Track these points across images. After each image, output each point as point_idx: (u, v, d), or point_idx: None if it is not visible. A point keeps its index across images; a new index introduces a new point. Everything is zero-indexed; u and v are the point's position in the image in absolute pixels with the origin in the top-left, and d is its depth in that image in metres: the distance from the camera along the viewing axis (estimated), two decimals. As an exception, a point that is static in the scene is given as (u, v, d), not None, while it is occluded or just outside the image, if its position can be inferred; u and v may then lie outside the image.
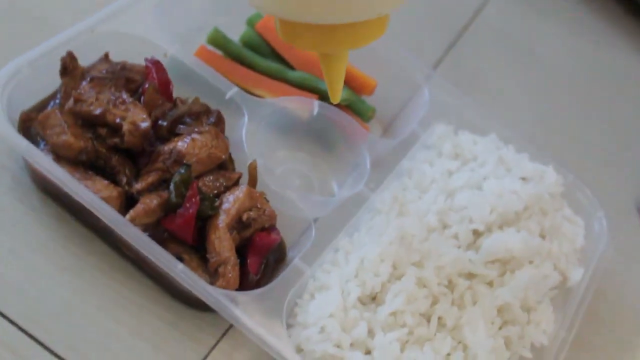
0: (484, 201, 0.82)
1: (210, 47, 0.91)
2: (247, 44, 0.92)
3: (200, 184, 0.74)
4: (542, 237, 0.85)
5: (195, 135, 0.76)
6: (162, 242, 0.72)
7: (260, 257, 0.74)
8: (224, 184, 0.76)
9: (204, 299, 0.68)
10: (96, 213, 0.68)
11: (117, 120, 0.73)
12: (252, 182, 0.78)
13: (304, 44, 0.63)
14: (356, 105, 0.91)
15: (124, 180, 0.73)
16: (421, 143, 0.90)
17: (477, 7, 1.14)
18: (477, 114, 0.93)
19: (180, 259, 0.72)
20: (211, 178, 0.76)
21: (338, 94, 0.67)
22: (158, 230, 0.72)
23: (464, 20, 1.12)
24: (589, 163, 1.03)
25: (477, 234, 0.81)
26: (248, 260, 0.73)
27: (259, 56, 0.91)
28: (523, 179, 0.87)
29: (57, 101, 0.78)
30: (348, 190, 0.83)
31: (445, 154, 0.89)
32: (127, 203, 0.73)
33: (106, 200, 0.70)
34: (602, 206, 0.92)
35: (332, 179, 0.86)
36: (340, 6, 0.56)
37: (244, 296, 0.70)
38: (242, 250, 0.74)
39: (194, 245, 0.74)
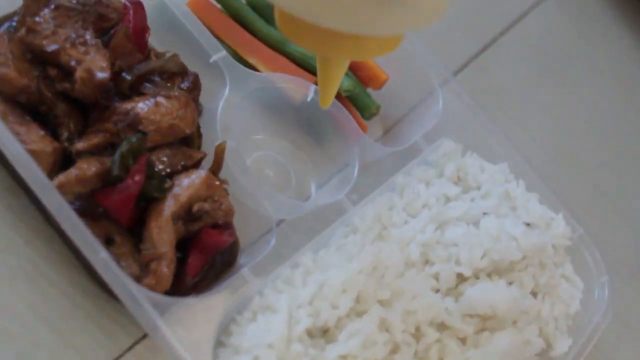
0: (477, 242, 0.71)
1: (212, -1, 0.79)
2: (252, 3, 0.80)
3: (153, 158, 0.63)
4: (534, 294, 0.74)
5: (160, 99, 0.64)
6: (93, 217, 0.60)
7: (204, 258, 0.62)
8: (183, 163, 0.65)
9: (121, 296, 0.57)
10: (18, 168, 0.57)
11: (72, 63, 0.62)
12: (216, 166, 0.66)
13: (304, 43, 0.57)
14: (359, 98, 0.80)
15: (65, 135, 0.62)
16: (422, 157, 0.78)
17: (517, 15, 1.02)
18: (492, 135, 0.81)
19: (111, 241, 0.61)
20: (169, 153, 0.64)
21: (329, 99, 0.62)
22: (92, 203, 0.61)
23: (499, 27, 0.99)
24: (605, 216, 0.91)
25: (461, 278, 0.70)
26: (189, 259, 0.62)
27: (262, 20, 0.79)
28: (527, 224, 0.75)
29: (13, 24, 0.66)
30: (326, 196, 0.72)
31: (447, 176, 0.77)
32: (63, 163, 0.62)
33: (36, 155, 0.59)
34: (609, 269, 0.80)
35: (312, 177, 0.75)
36: (369, 18, 0.50)
37: (172, 301, 0.59)
38: (185, 245, 0.63)
39: (132, 227, 0.62)
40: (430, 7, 0.53)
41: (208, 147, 0.68)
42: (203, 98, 0.71)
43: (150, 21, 0.71)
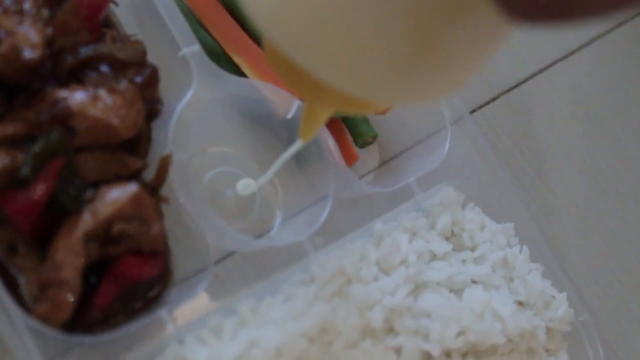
0: (455, 316, 0.60)
1: (204, -21, 0.68)
2: (251, -7, 0.69)
3: (80, 160, 0.52)
4: (515, 384, 0.63)
5: (101, 92, 0.54)
6: (-2, 219, 0.50)
7: (118, 289, 0.52)
8: (117, 171, 0.54)
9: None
10: None
11: (0, 35, 0.51)
12: (158, 181, 0.56)
13: (297, 87, 0.50)
14: (355, 122, 0.69)
15: (-20, 117, 0.52)
16: (414, 203, 0.67)
17: (561, 54, 0.89)
18: (501, 187, 0.70)
19: (13, 249, 0.51)
20: (100, 158, 0.54)
21: (311, 135, 0.55)
22: (-4, 202, 0.51)
23: (539, 64, 0.87)
24: (621, 303, 0.79)
25: (427, 356, 0.59)
26: (99, 288, 0.51)
27: (258, 14, 0.67)
28: (520, 303, 0.64)
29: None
30: (286, 234, 0.61)
31: (439, 229, 0.66)
32: (-28, 150, 0.52)
33: (-64, 137, 0.49)
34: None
35: (280, 207, 0.64)
36: (389, 88, 0.43)
37: (63, 339, 0.48)
38: (98, 269, 0.52)
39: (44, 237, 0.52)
40: (452, 80, 0.45)
41: (158, 155, 0.58)
42: (168, 98, 0.60)
43: (126, -1, 0.62)
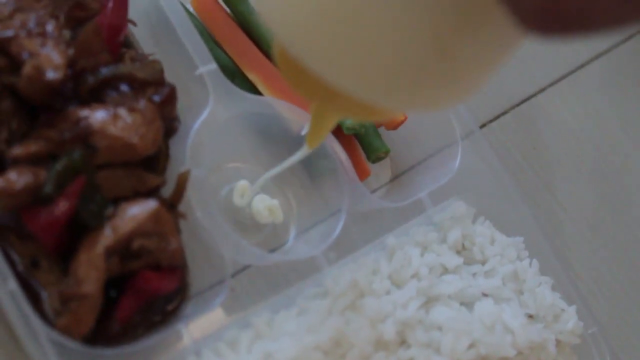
0: (466, 329, 0.61)
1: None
2: (265, 11, 0.70)
3: (101, 177, 0.54)
4: (525, 396, 0.64)
5: (121, 111, 0.55)
6: (20, 234, 0.52)
7: (138, 303, 0.54)
8: (136, 188, 0.56)
9: (22, 337, 0.48)
10: None
11: (24, 56, 0.53)
12: (176, 197, 0.57)
13: (308, 92, 0.50)
14: (367, 138, 0.70)
15: (4, 136, 0.53)
16: (425, 217, 0.68)
17: (573, 65, 0.90)
18: (511, 202, 0.71)
19: (36, 265, 0.52)
20: (120, 175, 0.55)
21: (317, 142, 0.56)
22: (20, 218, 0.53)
23: (550, 77, 0.88)
24: (633, 316, 0.79)
25: (439, 369, 0.60)
26: (119, 302, 0.53)
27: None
28: (530, 316, 0.65)
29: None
30: (301, 248, 0.62)
31: (450, 243, 0.67)
32: (-1, 167, 0.53)
33: (-37, 155, 0.51)
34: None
35: (294, 221, 0.65)
36: (407, 95, 0.44)
37: (84, 352, 0.50)
38: (119, 283, 0.54)
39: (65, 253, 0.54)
40: (465, 88, 0.45)
41: (176, 171, 0.59)
42: (185, 116, 0.62)
43: (144, 19, 0.63)
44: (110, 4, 0.58)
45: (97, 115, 0.54)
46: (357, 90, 0.43)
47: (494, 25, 0.41)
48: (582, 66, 0.91)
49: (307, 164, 0.67)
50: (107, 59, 0.57)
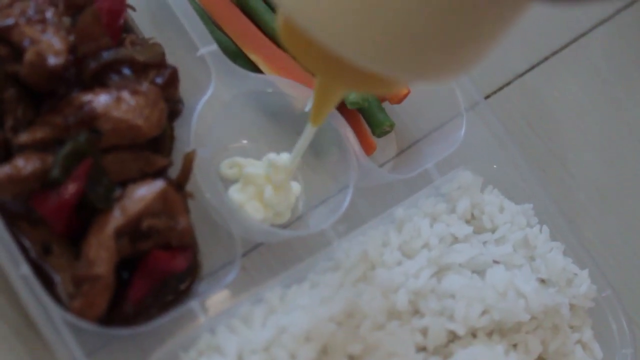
0: (478, 296, 0.61)
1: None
2: (265, -8, 0.71)
3: (107, 160, 0.54)
4: (542, 360, 0.64)
5: (124, 94, 0.55)
6: (31, 219, 0.52)
7: (150, 283, 0.54)
8: (143, 170, 0.56)
9: (38, 320, 0.49)
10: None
11: (25, 43, 0.53)
12: (183, 177, 0.58)
13: (311, 64, 0.49)
14: (371, 112, 0.70)
15: (10, 124, 0.54)
16: (433, 188, 0.68)
17: (574, 34, 0.90)
18: (519, 169, 0.71)
19: (48, 250, 0.52)
20: (127, 157, 0.56)
21: (321, 120, 0.55)
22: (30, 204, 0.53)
23: (552, 46, 0.87)
24: (637, 282, 0.79)
25: (453, 336, 0.60)
26: (132, 283, 0.53)
27: (271, 13, 0.69)
28: (542, 280, 0.65)
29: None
30: (310, 223, 0.62)
31: (459, 213, 0.67)
32: (5, 155, 0.54)
33: (-31, 144, 0.51)
34: (637, 340, 0.69)
35: (302, 198, 0.65)
36: (419, 64, 0.43)
37: (99, 333, 0.50)
38: (130, 264, 0.54)
39: (76, 236, 0.54)
40: (471, 57, 0.45)
41: (182, 153, 0.59)
42: (188, 97, 0.62)
43: (143, 3, 0.64)
44: (109, -11, 0.58)
45: (101, 99, 0.55)
46: (362, 59, 0.43)
47: None
48: (584, 34, 0.90)
49: (312, 141, 0.67)
50: (108, 44, 0.57)
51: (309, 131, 0.57)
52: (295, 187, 0.63)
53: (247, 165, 0.61)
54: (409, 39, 0.42)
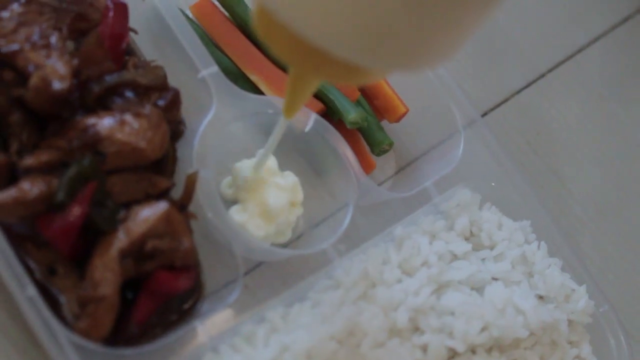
0: (477, 313, 0.62)
1: (217, 2, 0.71)
2: (264, 13, 0.71)
3: (111, 183, 0.55)
4: (540, 376, 0.65)
5: (127, 117, 0.56)
6: (36, 242, 0.53)
7: (154, 303, 0.55)
8: (146, 191, 0.57)
9: (44, 341, 0.49)
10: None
11: (30, 68, 0.54)
12: (186, 199, 0.58)
13: (285, 55, 0.48)
14: (370, 131, 0.71)
15: (15, 147, 0.55)
16: (432, 206, 0.69)
17: (570, 51, 0.91)
18: (516, 187, 0.71)
19: (53, 271, 0.53)
20: (130, 179, 0.57)
21: (294, 111, 0.55)
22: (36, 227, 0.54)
23: (548, 63, 0.88)
24: (635, 297, 0.80)
25: (453, 353, 0.61)
26: (136, 303, 0.54)
27: (271, 33, 0.70)
28: (540, 297, 0.66)
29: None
30: (311, 242, 0.63)
31: (457, 230, 0.68)
32: (10, 178, 0.54)
33: (-25, 168, 0.52)
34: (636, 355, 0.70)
35: (302, 216, 0.66)
36: (390, 52, 0.43)
37: (104, 353, 0.51)
38: (135, 285, 0.55)
39: (81, 258, 0.55)
40: (448, 45, 0.45)
41: (184, 174, 0.60)
42: (190, 118, 0.63)
43: (144, 26, 0.65)
44: (111, 14, 0.59)
45: (104, 122, 0.55)
46: (334, 46, 0.43)
47: None
48: (580, 50, 0.91)
49: (312, 160, 0.69)
50: (110, 67, 0.58)
51: (282, 124, 0.57)
52: (297, 208, 0.64)
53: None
54: (384, 28, 0.42)
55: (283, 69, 0.69)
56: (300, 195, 0.63)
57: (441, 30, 0.43)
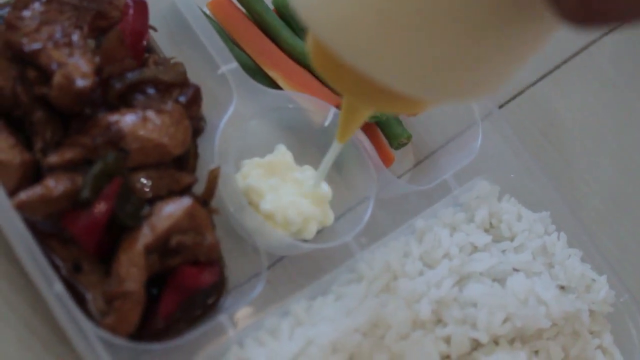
0: (500, 304, 0.62)
1: (235, 0, 0.71)
2: (281, 10, 0.72)
3: (135, 179, 0.55)
4: (563, 366, 0.65)
5: (150, 113, 0.57)
6: (61, 239, 0.54)
7: (179, 298, 0.55)
8: (169, 187, 0.57)
9: (71, 337, 0.50)
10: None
11: (53, 66, 0.55)
12: (208, 194, 0.59)
13: (341, 86, 0.49)
14: (389, 125, 0.71)
15: (39, 145, 0.55)
16: (451, 198, 0.69)
17: (584, 42, 0.91)
18: (535, 178, 0.72)
19: (78, 268, 0.54)
20: (153, 176, 0.57)
21: (348, 136, 0.57)
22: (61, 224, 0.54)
23: (563, 55, 0.88)
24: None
25: (476, 344, 0.61)
26: (161, 298, 0.54)
27: (288, 29, 0.71)
28: (562, 287, 0.66)
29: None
30: (332, 235, 0.63)
31: (477, 222, 0.68)
32: (36, 177, 0.55)
33: (1, 166, 0.52)
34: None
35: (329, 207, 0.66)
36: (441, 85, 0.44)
37: (131, 348, 0.51)
38: (159, 281, 0.55)
39: (106, 254, 0.55)
40: (502, 77, 0.46)
41: (206, 169, 0.61)
42: (210, 114, 0.63)
43: (162, 24, 0.65)
44: (131, 12, 0.60)
45: (127, 119, 0.56)
46: (398, 84, 0.43)
47: (534, 16, 0.41)
48: (594, 42, 0.91)
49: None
50: (131, 65, 0.58)
51: (335, 147, 0.58)
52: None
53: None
54: (444, 64, 0.43)
55: (302, 65, 0.70)
56: (326, 194, 0.63)
57: (496, 64, 0.44)
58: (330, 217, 0.64)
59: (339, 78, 0.48)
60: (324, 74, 0.48)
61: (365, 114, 0.54)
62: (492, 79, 0.45)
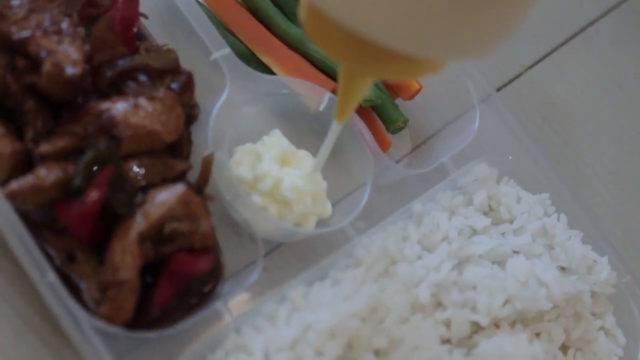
0: (500, 286, 0.61)
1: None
2: (274, -5, 0.71)
3: (128, 167, 0.55)
4: (565, 348, 0.64)
5: (142, 101, 0.56)
6: (54, 229, 0.53)
7: (175, 287, 0.54)
8: (163, 175, 0.57)
9: (64, 325, 0.49)
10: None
11: (42, 54, 0.54)
12: (202, 181, 0.58)
13: (336, 51, 0.49)
14: (385, 109, 0.70)
15: (31, 134, 0.55)
16: (449, 182, 0.69)
17: (583, 23, 0.90)
18: (534, 160, 0.71)
19: (72, 258, 0.53)
20: (146, 163, 0.56)
21: (346, 116, 0.55)
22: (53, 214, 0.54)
23: (561, 36, 0.87)
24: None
25: (476, 327, 0.61)
26: (157, 287, 0.54)
27: (282, 15, 0.70)
28: (562, 268, 0.65)
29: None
30: (329, 221, 0.63)
31: (476, 205, 0.68)
32: (27, 166, 0.54)
33: (-8, 156, 0.52)
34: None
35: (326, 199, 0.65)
36: (441, 40, 0.43)
37: (130, 337, 0.51)
38: (154, 269, 0.55)
39: (100, 243, 0.55)
40: (502, 32, 0.45)
41: (199, 156, 0.60)
42: (203, 101, 0.62)
43: (154, 11, 0.65)
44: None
45: (119, 107, 0.55)
46: (387, 37, 0.42)
47: None
48: (592, 22, 0.91)
49: (319, 145, 0.68)
50: (122, 52, 0.58)
51: (334, 130, 0.57)
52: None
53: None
54: (437, 15, 0.42)
55: (296, 50, 0.69)
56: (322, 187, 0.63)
57: (497, 15, 0.43)
58: (328, 209, 0.63)
59: (330, 41, 0.47)
60: (316, 39, 0.48)
61: (364, 86, 0.53)
62: (488, 34, 0.44)
